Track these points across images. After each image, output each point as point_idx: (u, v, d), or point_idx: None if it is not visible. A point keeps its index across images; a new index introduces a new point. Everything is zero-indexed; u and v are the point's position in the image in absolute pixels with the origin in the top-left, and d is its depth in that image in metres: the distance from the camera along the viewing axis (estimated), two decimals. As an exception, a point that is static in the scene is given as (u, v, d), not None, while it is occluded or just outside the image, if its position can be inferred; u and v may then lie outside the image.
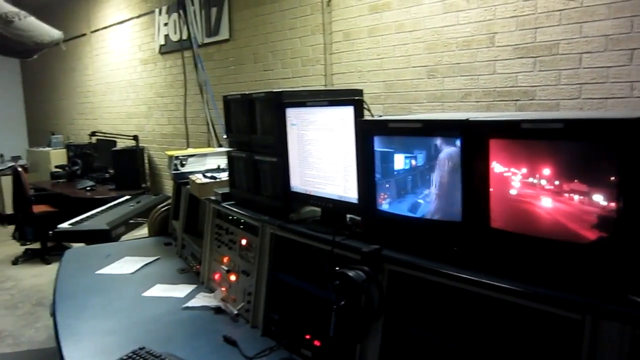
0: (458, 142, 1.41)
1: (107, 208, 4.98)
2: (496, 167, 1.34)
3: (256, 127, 2.23)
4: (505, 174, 1.33)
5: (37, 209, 6.54)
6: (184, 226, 3.37)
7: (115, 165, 6.26)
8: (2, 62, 9.55)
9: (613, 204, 1.13)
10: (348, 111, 1.73)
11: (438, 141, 1.47)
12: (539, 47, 3.04)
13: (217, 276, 2.58)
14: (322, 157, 1.88)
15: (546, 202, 1.24)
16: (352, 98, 1.73)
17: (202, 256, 2.78)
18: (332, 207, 1.88)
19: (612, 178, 1.13)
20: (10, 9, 0.58)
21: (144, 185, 6.24)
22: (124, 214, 4.75)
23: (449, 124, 1.51)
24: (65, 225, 4.32)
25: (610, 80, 2.78)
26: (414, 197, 1.54)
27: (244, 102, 2.28)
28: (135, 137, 6.22)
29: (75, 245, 4.64)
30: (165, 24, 5.94)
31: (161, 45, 6.09)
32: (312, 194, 1.96)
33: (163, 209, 3.99)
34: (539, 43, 3.04)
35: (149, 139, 6.56)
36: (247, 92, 2.28)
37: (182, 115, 5.76)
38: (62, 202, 6.30)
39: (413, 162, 1.53)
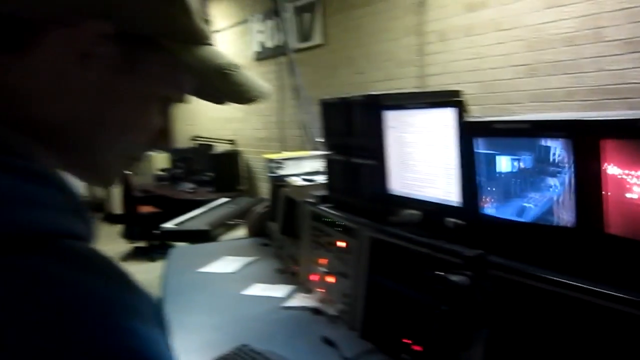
0: (568, 143, 1.35)
1: (206, 209, 5.21)
2: (611, 169, 1.27)
3: (354, 130, 2.24)
4: (621, 177, 1.25)
5: (143, 209, 6.96)
6: (281, 228, 3.45)
7: (214, 169, 6.54)
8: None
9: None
10: (449, 113, 1.70)
11: (546, 142, 1.41)
12: (653, 41, 2.85)
13: (314, 277, 2.62)
14: (422, 160, 1.86)
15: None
16: (453, 99, 1.70)
17: (300, 257, 2.84)
18: (433, 210, 1.85)
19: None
20: (226, 59, 0.60)
21: (241, 187, 6.47)
22: (223, 215, 4.95)
23: (558, 124, 1.45)
24: (169, 225, 4.58)
25: None
26: (521, 201, 1.49)
27: (341, 106, 2.30)
28: (233, 141, 6.46)
29: (178, 244, 4.90)
30: (260, 31, 6.13)
31: (256, 52, 6.29)
32: (411, 196, 1.94)
33: (260, 210, 4.11)
34: (653, 36, 2.85)
35: (245, 143, 6.79)
36: (344, 96, 2.31)
37: (276, 119, 5.92)
38: (165, 203, 6.68)
39: (520, 164, 1.49)
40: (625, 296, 1.21)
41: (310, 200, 2.74)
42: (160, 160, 8.31)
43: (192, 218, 4.85)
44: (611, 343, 1.26)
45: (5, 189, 0.48)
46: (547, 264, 1.41)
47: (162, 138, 0.70)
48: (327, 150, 2.55)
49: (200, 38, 0.65)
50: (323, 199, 2.59)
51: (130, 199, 6.96)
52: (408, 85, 4.28)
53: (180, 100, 0.70)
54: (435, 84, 4.04)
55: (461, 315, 1.53)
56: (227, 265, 3.30)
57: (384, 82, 4.56)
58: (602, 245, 1.31)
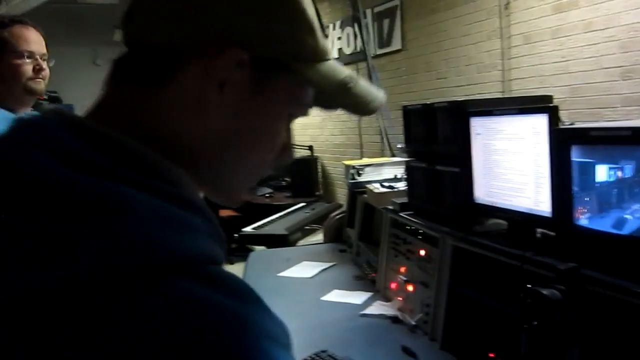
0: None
1: (284, 214, 5.29)
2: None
3: (437, 137, 2.20)
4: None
5: (223, 213, 7.16)
6: (359, 234, 3.44)
7: (291, 174, 6.64)
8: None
9: None
10: (541, 119, 1.63)
11: (650, 151, 1.32)
12: None
13: (393, 285, 2.59)
14: (510, 168, 1.79)
15: None
16: (545, 105, 1.62)
17: (378, 265, 2.81)
18: (521, 220, 1.78)
19: None
20: (346, 73, 0.61)
21: (317, 193, 6.52)
22: (300, 220, 5.00)
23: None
24: (248, 229, 4.68)
25: None
26: (620, 213, 1.40)
27: (425, 112, 2.27)
28: (310, 147, 6.53)
29: (257, 247, 4.99)
30: (339, 38, 6.17)
31: (335, 59, 6.33)
32: (498, 205, 1.88)
33: (337, 216, 4.12)
34: None
35: (322, 149, 6.85)
36: (427, 102, 2.27)
37: (353, 125, 5.92)
38: (244, 207, 6.81)
39: (619, 173, 1.40)
40: None
41: (390, 207, 2.71)
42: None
43: (270, 222, 4.93)
44: None
45: (158, 213, 0.50)
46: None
47: (284, 153, 0.71)
48: (408, 157, 2.52)
49: (323, 55, 0.67)
50: (403, 206, 2.56)
51: (211, 202, 7.16)
52: (491, 90, 4.16)
53: (304, 114, 0.72)
54: (520, 89, 3.90)
55: (552, 332, 1.45)
56: (305, 270, 3.33)
57: (465, 87, 4.46)
58: None
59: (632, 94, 3.21)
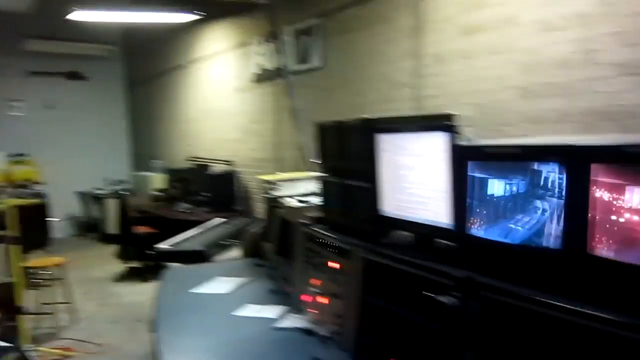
0: (559, 168, 1.37)
1: (202, 230, 5.20)
2: (600, 193, 1.29)
3: (348, 153, 2.27)
4: (612, 201, 1.27)
5: (139, 229, 6.95)
6: (275, 248, 3.45)
7: (210, 189, 6.55)
8: (110, 94, 10.36)
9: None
10: (441, 136, 1.72)
11: (537, 166, 1.43)
12: (644, 65, 2.89)
13: (307, 298, 2.62)
14: (414, 182, 1.88)
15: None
16: (445, 123, 1.72)
17: (293, 278, 2.83)
18: (424, 232, 1.87)
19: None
20: None
21: (237, 208, 6.47)
22: (218, 236, 4.94)
23: (549, 149, 1.47)
24: (164, 245, 4.56)
25: None
26: (510, 223, 1.50)
27: (337, 129, 2.33)
28: (230, 162, 6.48)
29: (173, 265, 4.87)
30: (260, 54, 6.20)
31: (256, 74, 6.35)
32: (404, 218, 1.95)
33: (255, 231, 4.11)
34: (644, 60, 2.89)
35: (243, 164, 6.81)
36: (339, 119, 2.33)
37: (273, 140, 5.94)
38: (161, 223, 6.66)
39: (509, 187, 1.50)
40: (610, 317, 1.21)
41: (305, 221, 2.74)
42: (157, 180, 8.33)
43: (187, 238, 4.83)
44: (599, 366, 1.26)
45: None
46: (534, 284, 1.42)
47: None
48: (322, 172, 2.57)
49: None
50: (317, 220, 2.60)
51: (126, 219, 6.95)
52: (404, 107, 4.32)
53: None
54: (432, 106, 4.07)
55: (450, 336, 1.53)
56: (220, 286, 3.29)
57: (380, 104, 4.60)
58: (589, 268, 1.31)
59: (529, 112, 3.44)
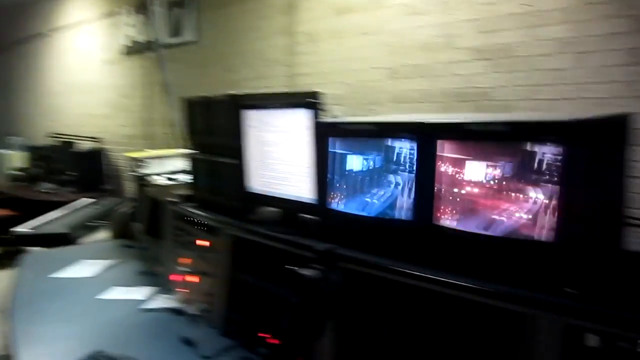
0: (411, 144, 1.45)
1: (68, 211, 4.90)
2: (446, 167, 1.38)
3: (216, 129, 2.23)
4: (455, 174, 1.37)
5: (-2, 212, 6.38)
6: (145, 228, 3.34)
7: (76, 168, 6.16)
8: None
9: (555, 203, 1.19)
10: (305, 113, 1.75)
11: (391, 143, 1.50)
12: (495, 50, 3.13)
13: (177, 277, 2.57)
14: (279, 159, 1.90)
15: (493, 202, 1.29)
16: (308, 100, 1.75)
17: (163, 258, 2.77)
18: (290, 208, 1.90)
19: (555, 178, 1.18)
20: None
21: (106, 187, 6.15)
22: (85, 217, 4.68)
23: (401, 126, 1.55)
24: (23, 228, 4.24)
25: (561, 82, 2.88)
26: (367, 197, 1.57)
27: (204, 105, 2.28)
28: (98, 139, 6.13)
29: (34, 249, 4.55)
30: (130, 25, 5.88)
31: (126, 46, 6.02)
32: (270, 194, 1.97)
33: (124, 211, 3.95)
34: (495, 45, 3.13)
35: (113, 141, 6.47)
36: (206, 95, 2.29)
37: (144, 116, 5.70)
38: (22, 205, 6.16)
39: (367, 162, 1.57)
40: (454, 281, 1.32)
41: (174, 199, 2.68)
42: (15, 158, 7.66)
43: (50, 221, 4.53)
44: (449, 324, 1.37)
45: None
46: (389, 254, 1.51)
47: None
48: (191, 149, 2.51)
49: None
50: (186, 198, 2.55)
51: (-19, 200, 6.35)
52: (278, 84, 4.33)
53: None
54: (304, 84, 4.12)
55: (312, 307, 1.58)
56: (85, 269, 3.13)
57: (254, 81, 4.57)
58: (436, 237, 1.42)
59: (395, 92, 3.60)
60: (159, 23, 5.39)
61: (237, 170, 2.10)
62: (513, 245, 1.26)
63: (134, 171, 3.12)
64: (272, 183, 1.95)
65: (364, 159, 1.58)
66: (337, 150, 1.64)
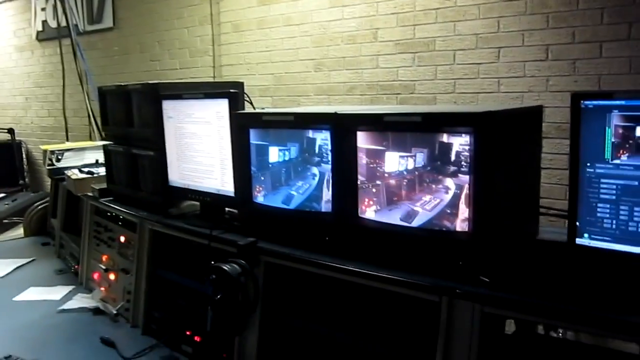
0: (328, 134, 1.44)
1: (-22, 207, 4.60)
2: (363, 158, 1.39)
3: (133, 120, 2.15)
4: (371, 165, 1.38)
5: None
6: (62, 224, 3.18)
7: (-12, 161, 5.79)
8: None
9: (468, 193, 1.21)
10: (224, 104, 1.71)
11: (310, 133, 1.49)
12: (418, 43, 3.19)
13: (96, 275, 2.47)
14: (199, 151, 1.85)
15: (411, 193, 1.30)
16: (227, 91, 1.71)
17: (80, 255, 2.65)
18: (211, 201, 1.86)
19: (468, 169, 1.21)
20: None
21: (21, 182, 5.82)
22: (-2, 214, 4.41)
23: (319, 117, 1.54)
24: None
25: (480, 76, 2.97)
26: (288, 189, 1.56)
27: (120, 94, 2.19)
28: (11, 131, 5.78)
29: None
30: (43, 9, 5.56)
31: (39, 32, 5.70)
32: (190, 188, 1.92)
33: (40, 206, 3.75)
34: (417, 39, 3.19)
35: (28, 132, 6.13)
36: (123, 84, 2.20)
37: (62, 107, 5.41)
38: None
39: (288, 154, 1.55)
40: (380, 274, 1.33)
41: (91, 194, 2.56)
42: None
43: (-44, 218, 4.23)
44: (368, 313, 1.38)
45: None
46: (312, 247, 1.50)
47: None
48: (108, 141, 2.41)
49: None
50: (103, 192, 2.44)
51: None
52: (204, 75, 4.23)
53: None
54: (230, 75, 4.05)
55: (233, 303, 1.55)
56: (-2, 269, 2.95)
57: (178, 71, 4.45)
58: (356, 229, 1.42)
59: (322, 84, 3.61)
60: (74, 7, 5.13)
61: (155, 162, 2.03)
62: (430, 236, 1.28)
63: (49, 165, 2.96)
64: (193, 176, 1.90)
65: (285, 150, 1.56)
66: (257, 142, 1.61)
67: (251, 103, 2.21)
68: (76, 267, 2.74)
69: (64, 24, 5.17)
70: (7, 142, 5.83)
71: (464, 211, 1.23)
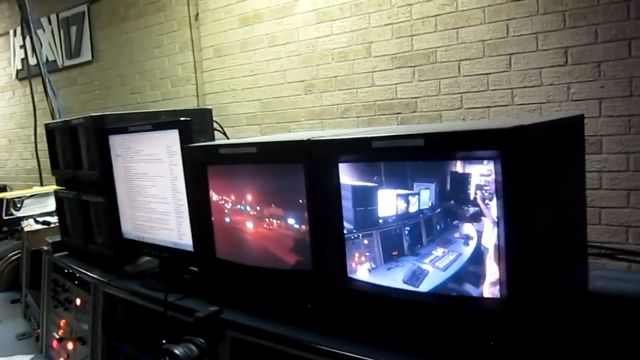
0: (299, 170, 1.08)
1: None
2: (349, 199, 1.03)
3: (81, 160, 1.80)
4: (359, 209, 1.02)
5: None
6: (28, 280, 2.82)
7: (-31, 208, 5.47)
8: None
9: (497, 243, 0.85)
10: (174, 136, 1.36)
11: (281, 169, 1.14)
12: (417, 56, 2.85)
13: (54, 344, 2.10)
14: (152, 195, 1.49)
15: (413, 245, 0.94)
16: (176, 119, 1.35)
17: (40, 318, 2.29)
18: (167, 257, 1.49)
19: (491, 208, 0.85)
20: None
21: (5, 229, 5.48)
22: (-28, 266, 4.05)
23: (288, 146, 1.18)
24: None
25: (490, 87, 2.62)
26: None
27: (66, 131, 1.85)
28: (-7, 175, 5.48)
29: None
30: (21, 46, 5.30)
31: (18, 70, 5.44)
32: (145, 241, 1.56)
33: (13, 257, 3.40)
34: (416, 51, 2.85)
35: (12, 176, 5.83)
36: (68, 119, 1.86)
37: (44, 147, 5.11)
38: None
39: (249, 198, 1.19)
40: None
41: (47, 247, 2.21)
42: None
43: None
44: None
45: None
46: (291, 317, 1.13)
47: None
48: (58, 185, 2.07)
49: None
50: (58, 246, 2.09)
51: None
52: (187, 105, 3.92)
53: None
54: (215, 104, 3.73)
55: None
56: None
57: (160, 102, 4.14)
58: (345, 293, 1.05)
59: (313, 107, 3.27)
60: (51, 43, 4.85)
61: (106, 210, 1.68)
62: (446, 305, 0.91)
63: (6, 214, 2.62)
64: (146, 226, 1.54)
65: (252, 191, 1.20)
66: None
67: (224, 133, 1.86)
68: (38, 330, 2.38)
69: (46, 59, 4.91)
70: (-12, 187, 5.51)
71: (492, 270, 0.86)
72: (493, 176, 0.84)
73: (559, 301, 0.98)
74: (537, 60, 2.44)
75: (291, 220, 1.12)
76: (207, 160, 1.27)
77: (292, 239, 1.13)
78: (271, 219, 1.15)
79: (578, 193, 1.11)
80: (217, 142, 1.36)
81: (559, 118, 1.07)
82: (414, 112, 2.88)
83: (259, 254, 1.19)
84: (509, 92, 2.54)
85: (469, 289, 0.89)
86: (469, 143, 0.88)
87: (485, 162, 0.85)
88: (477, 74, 2.64)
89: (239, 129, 3.42)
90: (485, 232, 0.87)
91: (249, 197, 1.19)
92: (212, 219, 1.27)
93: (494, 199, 0.85)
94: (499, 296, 0.86)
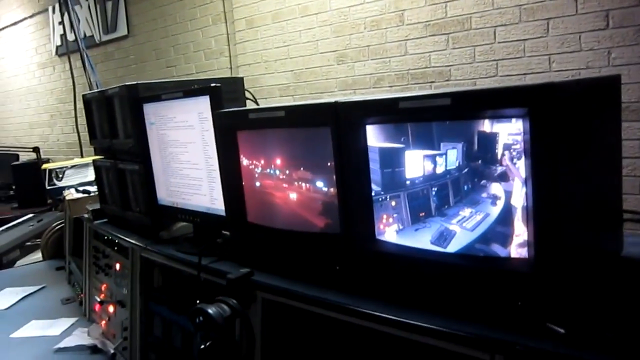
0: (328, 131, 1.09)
1: (3, 229, 4.43)
2: (376, 161, 1.03)
3: (117, 130, 1.85)
4: (387, 170, 1.02)
5: None
6: (71, 248, 2.93)
7: (16, 181, 5.66)
8: None
9: (525, 203, 0.84)
10: (205, 102, 1.38)
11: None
12: (451, 23, 2.79)
13: (97, 307, 2.19)
14: (184, 162, 1.52)
15: (441, 205, 0.94)
16: (207, 86, 1.37)
17: (83, 283, 2.38)
18: (201, 222, 1.53)
19: (519, 168, 0.84)
20: None
21: (50, 201, 5.67)
22: (19, 236, 4.21)
23: (315, 109, 1.18)
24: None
25: (527, 54, 2.55)
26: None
27: (102, 101, 1.89)
28: (36, 149, 5.64)
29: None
30: (60, 23, 5.41)
31: (58, 47, 5.56)
32: (179, 206, 1.60)
33: (57, 227, 3.53)
34: (450, 18, 2.79)
35: (55, 150, 6.01)
36: (104, 89, 1.90)
37: (83, 121, 5.25)
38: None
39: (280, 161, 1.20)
40: (411, 322, 0.97)
41: (87, 215, 2.29)
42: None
43: (-22, 242, 4.06)
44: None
45: None
46: (321, 280, 1.15)
47: None
48: (96, 155, 2.13)
49: None
50: (97, 214, 2.16)
51: None
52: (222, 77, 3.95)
53: None
54: (249, 75, 3.74)
55: (223, 352, 1.22)
56: (3, 299, 2.71)
57: (195, 75, 4.17)
58: (373, 255, 1.06)
59: (345, 78, 3.25)
60: (88, 18, 4.93)
61: (141, 178, 1.72)
62: (474, 266, 0.91)
63: (49, 184, 2.72)
64: (180, 192, 1.57)
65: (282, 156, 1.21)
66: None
67: (255, 101, 1.88)
68: (81, 295, 2.48)
69: (84, 35, 5.01)
70: (33, 161, 5.69)
71: (520, 230, 0.85)
72: (521, 135, 0.83)
73: (589, 264, 0.97)
74: (576, 25, 2.36)
75: (319, 184, 1.13)
76: (236, 125, 1.29)
77: (320, 202, 1.14)
78: (300, 183, 1.17)
79: (613, 157, 1.08)
80: (246, 108, 1.38)
81: (593, 77, 1.04)
82: (447, 80, 2.83)
83: (288, 218, 1.21)
84: (546, 59, 2.47)
85: (497, 249, 0.89)
86: (497, 101, 0.86)
87: (513, 120, 0.84)
88: (513, 40, 2.57)
89: (272, 100, 3.43)
90: (513, 192, 0.86)
91: (278, 162, 1.20)
92: (243, 183, 1.29)
93: (522, 159, 0.84)
94: (526, 257, 0.86)
